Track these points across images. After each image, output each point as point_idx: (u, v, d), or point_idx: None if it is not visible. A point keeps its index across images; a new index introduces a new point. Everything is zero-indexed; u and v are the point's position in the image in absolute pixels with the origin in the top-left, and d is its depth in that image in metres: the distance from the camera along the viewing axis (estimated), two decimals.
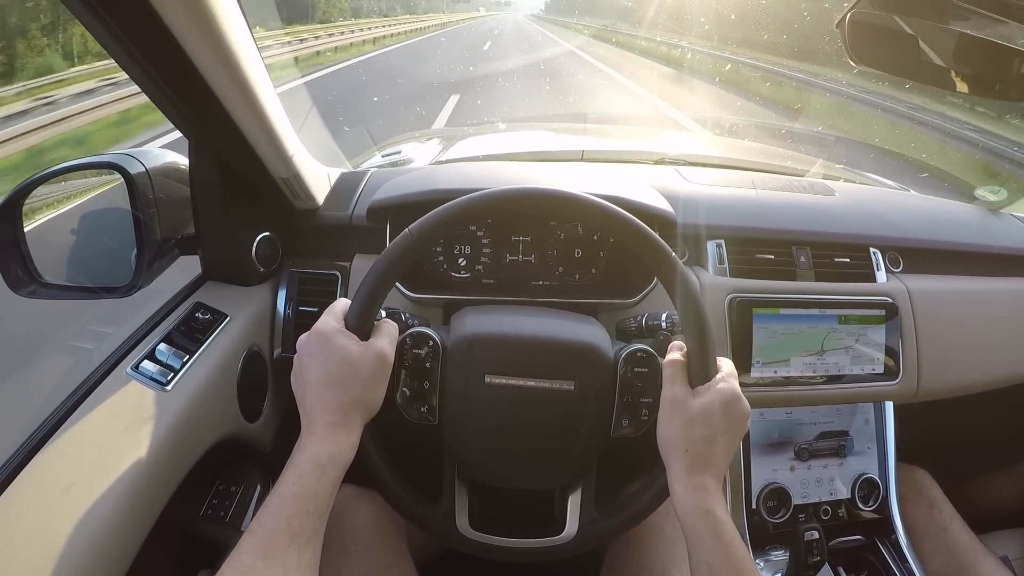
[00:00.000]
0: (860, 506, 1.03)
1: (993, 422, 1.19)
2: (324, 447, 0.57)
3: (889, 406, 1.06)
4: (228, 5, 0.61)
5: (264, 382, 0.92)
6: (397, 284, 0.89)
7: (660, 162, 1.28)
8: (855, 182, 1.36)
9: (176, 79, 0.64)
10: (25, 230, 0.83)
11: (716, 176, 1.18)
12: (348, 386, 0.59)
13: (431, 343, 0.69)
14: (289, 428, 0.97)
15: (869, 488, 1.03)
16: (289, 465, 0.57)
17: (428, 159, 1.37)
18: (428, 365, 0.69)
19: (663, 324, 0.78)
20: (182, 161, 0.87)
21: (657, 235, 0.64)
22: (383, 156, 1.44)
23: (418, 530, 0.73)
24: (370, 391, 0.61)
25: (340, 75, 10.60)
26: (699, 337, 0.63)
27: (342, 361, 0.59)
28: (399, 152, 1.44)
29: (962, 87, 0.69)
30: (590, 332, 0.73)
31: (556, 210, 0.67)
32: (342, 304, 0.64)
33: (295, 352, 0.63)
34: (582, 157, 1.31)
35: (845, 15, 0.68)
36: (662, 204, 0.95)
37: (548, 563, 0.72)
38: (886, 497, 1.04)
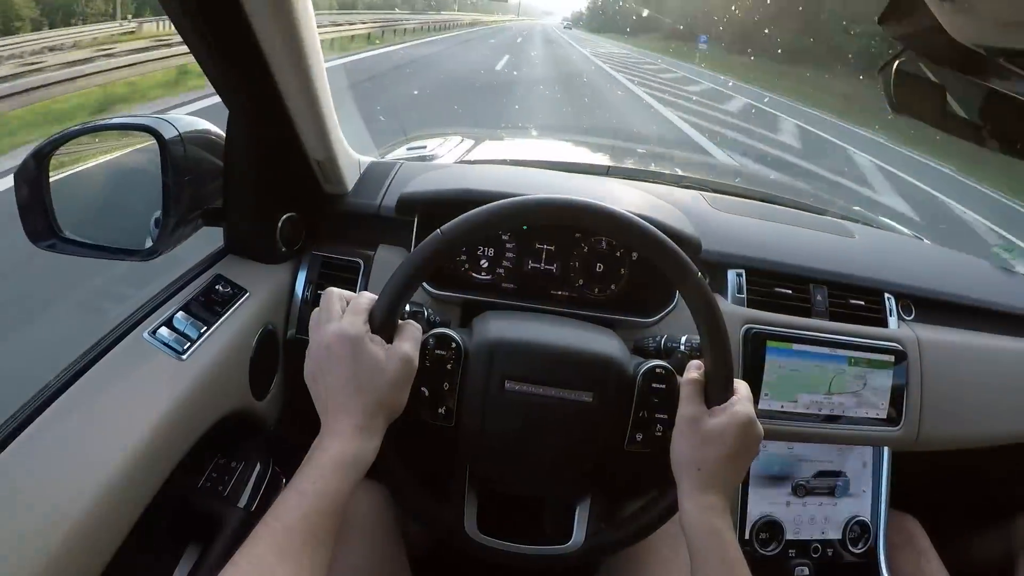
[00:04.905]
0: (850, 548, 1.03)
1: (988, 479, 1.20)
2: (349, 448, 0.57)
3: (887, 452, 1.06)
4: None
5: (275, 361, 0.92)
6: None
7: (685, 185, 1.28)
8: (871, 226, 1.37)
9: (232, 45, 0.64)
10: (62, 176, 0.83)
11: (739, 204, 1.18)
12: (373, 390, 0.59)
13: (454, 345, 0.69)
14: (294, 409, 0.97)
15: (860, 531, 1.04)
16: (309, 463, 0.56)
17: (454, 157, 1.37)
18: (449, 367, 0.69)
19: (682, 347, 0.78)
20: (216, 131, 0.87)
21: (690, 260, 0.65)
22: (408, 149, 1.44)
23: (421, 528, 0.73)
24: (395, 394, 0.61)
25: None
26: (719, 358, 0.64)
27: (369, 365, 0.59)
28: (424, 147, 1.44)
29: (985, 143, 0.70)
30: (611, 345, 0.74)
31: (594, 224, 0.67)
32: (367, 301, 0.63)
33: (309, 335, 0.63)
34: (607, 172, 1.32)
35: (891, 63, 0.69)
36: (687, 227, 0.95)
37: (541, 570, 0.73)
38: (875, 542, 1.04)
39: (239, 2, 0.58)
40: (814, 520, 1.03)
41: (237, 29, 0.61)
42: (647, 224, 0.64)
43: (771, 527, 1.00)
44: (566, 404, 0.68)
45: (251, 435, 0.89)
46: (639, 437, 0.70)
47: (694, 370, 0.67)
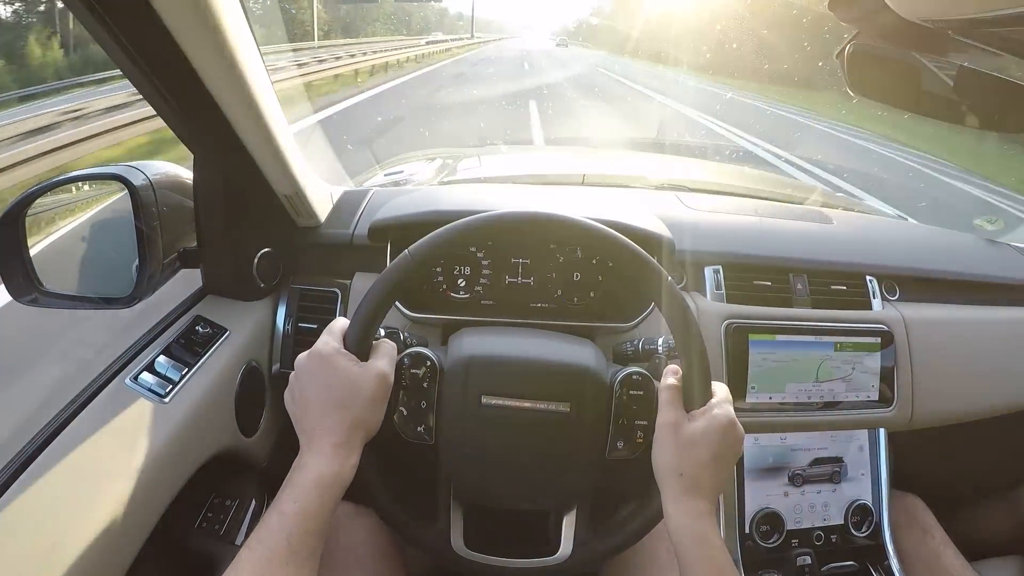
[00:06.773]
0: (853, 532, 1.03)
1: (987, 450, 1.19)
2: (327, 467, 0.58)
3: (883, 433, 1.06)
4: (235, 20, 0.62)
5: (262, 397, 0.92)
6: (397, 304, 0.90)
7: (660, 187, 1.29)
8: (854, 210, 1.37)
9: (182, 91, 0.65)
10: (44, 242, 0.84)
11: (715, 202, 1.19)
12: (349, 407, 0.60)
13: (428, 363, 0.70)
14: (285, 443, 0.97)
15: (862, 514, 1.04)
16: (288, 483, 0.57)
17: (430, 179, 1.38)
18: (425, 385, 0.70)
19: (659, 349, 0.78)
20: (186, 174, 0.88)
21: (654, 260, 0.65)
22: (385, 175, 1.45)
23: (413, 548, 0.74)
24: (371, 411, 0.62)
25: None
26: (695, 362, 0.64)
27: (344, 382, 0.60)
28: (401, 171, 1.46)
29: (960, 119, 0.70)
30: (586, 355, 0.74)
31: (554, 234, 0.68)
32: (341, 324, 0.65)
33: (293, 369, 0.64)
34: (583, 181, 1.32)
35: (844, 46, 0.69)
36: (660, 229, 0.96)
37: None
38: (879, 523, 1.04)
39: (184, 53, 0.59)
40: (814, 508, 1.03)
41: (185, 77, 0.62)
42: (609, 230, 0.65)
43: (771, 519, 0.99)
44: (544, 416, 0.68)
45: (244, 472, 0.90)
46: (620, 445, 0.70)
47: (671, 375, 0.67)
